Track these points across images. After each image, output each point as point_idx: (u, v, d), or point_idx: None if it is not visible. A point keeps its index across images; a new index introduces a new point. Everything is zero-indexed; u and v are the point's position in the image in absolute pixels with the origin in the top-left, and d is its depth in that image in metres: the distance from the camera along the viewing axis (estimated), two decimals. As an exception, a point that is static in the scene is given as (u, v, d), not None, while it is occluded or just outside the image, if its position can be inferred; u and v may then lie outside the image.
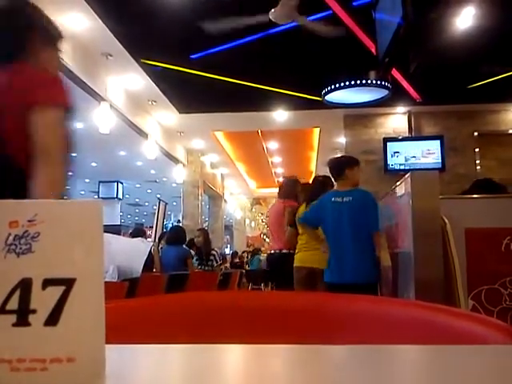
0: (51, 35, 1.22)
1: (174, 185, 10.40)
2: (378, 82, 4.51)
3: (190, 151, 8.54)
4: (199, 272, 4.82)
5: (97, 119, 5.12)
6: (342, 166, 2.97)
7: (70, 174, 1.21)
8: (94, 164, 10.11)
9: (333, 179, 3.07)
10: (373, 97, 4.81)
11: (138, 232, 4.80)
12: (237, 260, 10.33)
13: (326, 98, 4.84)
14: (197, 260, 5.12)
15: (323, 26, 3.58)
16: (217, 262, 5.18)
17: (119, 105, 5.51)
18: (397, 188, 1.79)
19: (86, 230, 0.30)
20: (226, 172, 10.81)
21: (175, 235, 4.84)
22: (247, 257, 11.18)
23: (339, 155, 3.47)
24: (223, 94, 5.54)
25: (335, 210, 2.84)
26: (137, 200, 15.28)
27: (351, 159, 3.11)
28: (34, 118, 1.05)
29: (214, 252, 5.26)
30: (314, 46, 4.26)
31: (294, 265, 3.52)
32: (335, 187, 3.08)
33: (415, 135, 6.35)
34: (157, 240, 6.33)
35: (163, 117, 6.69)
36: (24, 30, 1.15)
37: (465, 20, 3.89)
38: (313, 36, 3.90)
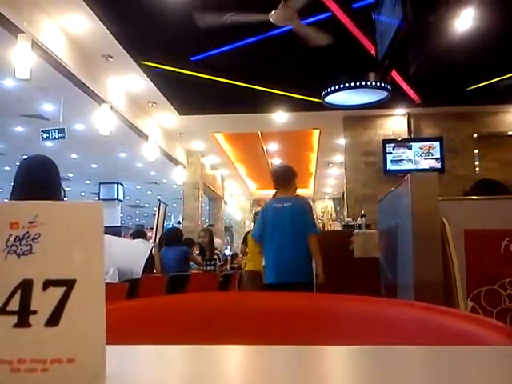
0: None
1: (174, 186, 10.40)
2: (378, 84, 4.51)
3: (190, 153, 8.54)
4: (200, 273, 4.82)
5: (97, 121, 5.12)
6: (290, 175, 3.20)
7: None
8: (94, 165, 10.12)
9: (276, 186, 3.24)
10: (372, 98, 4.82)
11: (139, 233, 4.80)
12: (235, 262, 10.23)
13: (325, 99, 4.85)
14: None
15: (312, 33, 3.61)
16: (220, 262, 5.21)
17: (120, 106, 5.52)
18: (396, 189, 1.79)
19: (87, 232, 0.30)
20: (225, 173, 10.81)
21: (173, 236, 4.85)
22: None
23: (281, 165, 3.67)
24: (223, 95, 5.54)
25: (275, 214, 3.04)
26: (137, 201, 15.28)
27: (294, 170, 3.33)
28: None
29: (217, 252, 5.30)
30: (313, 48, 4.26)
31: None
32: (277, 194, 3.28)
33: (415, 137, 6.35)
34: (157, 241, 6.33)
35: (163, 118, 6.69)
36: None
37: (464, 22, 3.89)
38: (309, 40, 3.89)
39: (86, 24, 4.12)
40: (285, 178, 3.17)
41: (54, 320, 0.29)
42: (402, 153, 6.23)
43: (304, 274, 2.90)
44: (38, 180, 1.69)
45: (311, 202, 3.37)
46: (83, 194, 13.36)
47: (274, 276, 2.95)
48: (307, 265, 2.94)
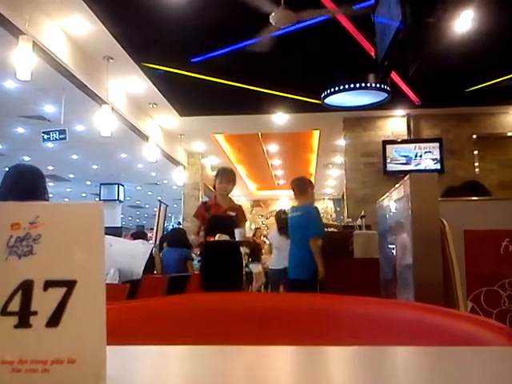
0: None
1: (174, 187, 10.39)
2: (378, 85, 4.52)
3: (190, 154, 8.55)
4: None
5: (98, 122, 5.12)
6: (303, 186, 3.62)
7: None
8: (95, 166, 10.12)
9: (294, 196, 3.70)
10: (372, 100, 4.82)
11: (139, 234, 4.80)
12: None
13: (325, 100, 4.85)
14: (199, 261, 5.12)
15: (266, 42, 3.71)
16: None
17: (120, 108, 5.52)
18: (396, 190, 1.80)
19: (87, 232, 0.30)
20: (226, 174, 10.79)
21: (176, 237, 4.84)
22: (248, 259, 11.11)
23: (298, 177, 4.00)
24: (223, 96, 5.55)
25: (290, 223, 3.66)
26: (138, 202, 15.27)
27: (307, 181, 3.79)
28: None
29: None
30: (313, 49, 4.26)
31: None
32: (295, 204, 3.78)
33: (414, 138, 6.35)
34: (157, 242, 6.33)
35: (164, 120, 6.70)
36: None
37: (463, 23, 3.89)
38: (312, 39, 3.90)
39: (87, 26, 4.12)
40: (298, 190, 3.60)
41: (54, 320, 0.29)
42: (402, 153, 6.23)
43: (301, 273, 3.44)
44: (28, 185, 1.75)
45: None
46: (84, 194, 13.36)
47: (289, 273, 3.63)
48: (307, 266, 3.40)
